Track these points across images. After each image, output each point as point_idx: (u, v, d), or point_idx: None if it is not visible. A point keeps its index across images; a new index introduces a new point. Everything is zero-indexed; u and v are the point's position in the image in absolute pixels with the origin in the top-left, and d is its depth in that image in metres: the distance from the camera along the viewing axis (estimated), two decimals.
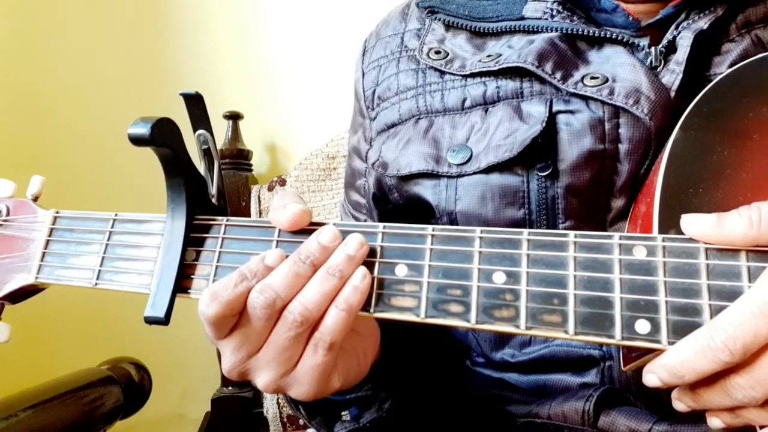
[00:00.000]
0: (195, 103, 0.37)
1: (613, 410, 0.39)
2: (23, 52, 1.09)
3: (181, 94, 0.36)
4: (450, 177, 0.43)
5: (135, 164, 0.98)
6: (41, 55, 1.09)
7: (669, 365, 0.27)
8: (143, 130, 0.32)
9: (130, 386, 0.69)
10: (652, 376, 0.28)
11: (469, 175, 0.42)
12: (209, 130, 0.38)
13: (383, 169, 0.47)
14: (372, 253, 0.33)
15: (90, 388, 0.65)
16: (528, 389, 0.45)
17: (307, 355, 0.32)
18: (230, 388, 0.95)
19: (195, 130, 0.38)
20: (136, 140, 0.32)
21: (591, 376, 0.42)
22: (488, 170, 0.42)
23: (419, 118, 0.47)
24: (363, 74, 0.52)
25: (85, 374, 0.67)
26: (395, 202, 0.49)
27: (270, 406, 0.87)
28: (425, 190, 0.45)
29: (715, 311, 0.27)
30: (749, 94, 0.34)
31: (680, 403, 0.30)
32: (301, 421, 0.83)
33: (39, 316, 0.98)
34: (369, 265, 0.33)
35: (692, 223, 0.29)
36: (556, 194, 0.40)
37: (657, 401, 0.39)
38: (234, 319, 0.32)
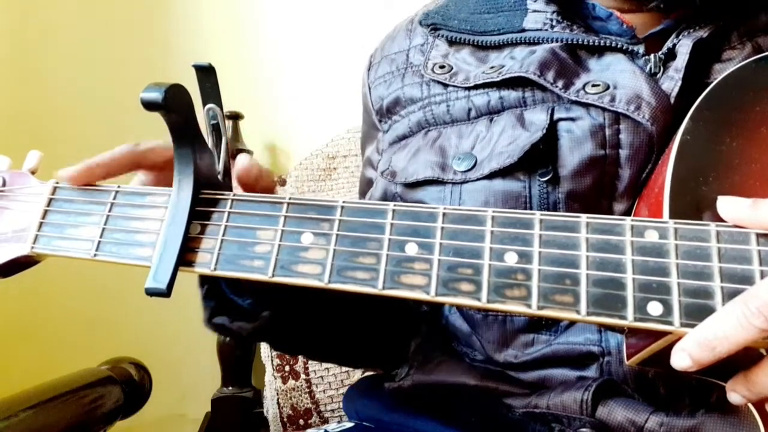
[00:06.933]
0: (206, 76, 0.36)
1: (611, 400, 0.39)
2: (23, 50, 1.08)
3: (194, 66, 0.36)
4: (454, 183, 0.44)
5: None
6: (41, 57, 1.08)
7: (700, 337, 0.26)
8: (156, 94, 0.31)
9: (130, 386, 0.68)
10: (682, 354, 0.27)
11: (473, 181, 0.43)
12: (219, 105, 0.37)
13: (392, 177, 0.49)
14: (381, 230, 0.33)
15: (90, 388, 0.64)
16: (527, 382, 0.44)
17: None
18: (230, 388, 0.94)
19: (204, 104, 0.37)
20: (148, 104, 0.32)
21: (590, 372, 0.42)
22: (491, 176, 0.43)
23: (429, 130, 0.48)
24: (370, 89, 0.54)
25: (85, 374, 0.66)
26: None
27: (270, 406, 0.84)
28: (430, 196, 0.46)
29: (728, 294, 0.27)
30: (756, 89, 0.35)
31: (735, 394, 0.29)
32: (300, 421, 0.81)
33: (39, 316, 0.96)
34: (378, 242, 0.32)
35: (727, 204, 0.29)
36: (558, 199, 0.41)
37: (654, 393, 0.39)
38: None
